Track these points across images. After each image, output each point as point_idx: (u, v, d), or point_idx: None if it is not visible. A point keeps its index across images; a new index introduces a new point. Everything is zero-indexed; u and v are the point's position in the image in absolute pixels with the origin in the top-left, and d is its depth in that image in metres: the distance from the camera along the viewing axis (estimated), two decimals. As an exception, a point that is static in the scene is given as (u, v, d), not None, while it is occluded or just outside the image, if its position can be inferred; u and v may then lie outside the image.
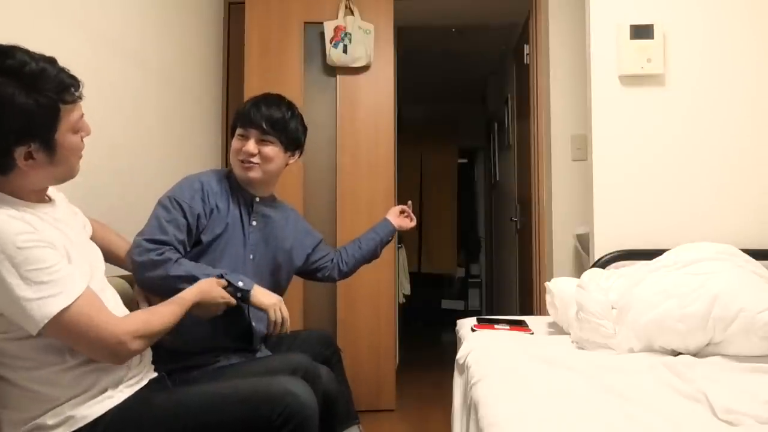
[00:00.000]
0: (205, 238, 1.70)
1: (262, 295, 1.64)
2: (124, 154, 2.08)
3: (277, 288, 1.86)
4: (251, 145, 1.76)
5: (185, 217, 1.66)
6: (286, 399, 1.32)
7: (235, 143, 1.80)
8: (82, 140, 1.26)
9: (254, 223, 1.81)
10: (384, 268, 2.98)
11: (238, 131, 1.80)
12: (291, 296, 2.96)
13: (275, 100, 1.82)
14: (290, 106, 1.85)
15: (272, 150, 1.78)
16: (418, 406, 3.14)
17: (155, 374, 1.41)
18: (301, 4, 3.02)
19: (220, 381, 1.49)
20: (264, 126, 1.76)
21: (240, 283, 1.61)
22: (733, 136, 2.15)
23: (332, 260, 2.07)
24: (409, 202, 2.26)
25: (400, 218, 2.21)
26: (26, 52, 1.15)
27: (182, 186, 1.73)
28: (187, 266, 1.58)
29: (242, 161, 1.77)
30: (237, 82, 3.07)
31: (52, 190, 1.33)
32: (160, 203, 1.69)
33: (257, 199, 1.84)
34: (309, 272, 2.05)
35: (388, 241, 2.17)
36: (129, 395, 1.27)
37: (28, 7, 1.58)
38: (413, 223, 2.22)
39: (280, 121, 1.78)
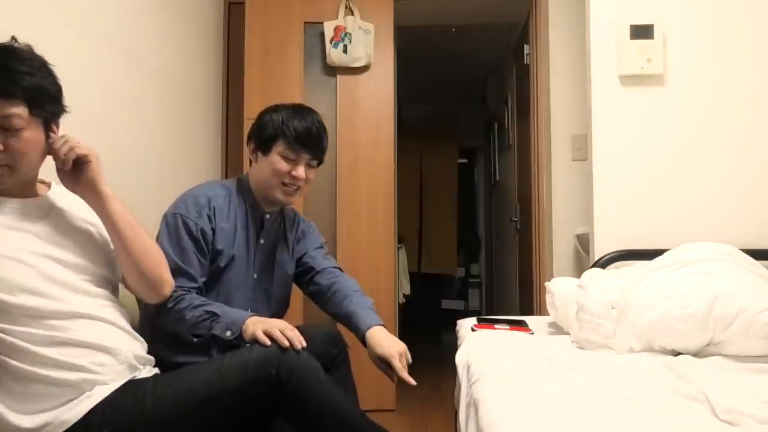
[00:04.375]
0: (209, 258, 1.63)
1: (251, 332, 1.44)
2: (123, 153, 2.08)
3: (285, 297, 1.83)
4: (302, 171, 1.67)
5: (194, 237, 1.58)
6: (281, 356, 1.32)
7: (281, 165, 1.66)
8: None
9: (262, 241, 1.73)
10: (384, 268, 2.98)
11: (285, 152, 1.66)
12: (292, 294, 2.96)
13: (314, 117, 1.71)
14: (322, 121, 1.74)
15: (315, 173, 1.73)
16: (418, 406, 3.13)
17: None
18: (301, 4, 3.02)
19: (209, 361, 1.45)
20: (317, 152, 1.70)
21: (228, 333, 1.48)
22: (733, 135, 2.15)
23: (331, 278, 1.83)
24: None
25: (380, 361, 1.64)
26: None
27: (187, 202, 1.63)
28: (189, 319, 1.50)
29: (287, 185, 1.67)
30: (237, 82, 3.07)
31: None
32: (166, 224, 1.61)
33: (267, 217, 1.75)
34: (302, 274, 1.87)
35: (348, 327, 1.76)
36: (113, 390, 1.24)
37: (27, 4, 1.58)
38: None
39: (325, 144, 1.72)
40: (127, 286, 1.45)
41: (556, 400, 1.21)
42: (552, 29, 2.94)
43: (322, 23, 2.97)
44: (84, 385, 1.22)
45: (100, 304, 1.32)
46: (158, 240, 1.60)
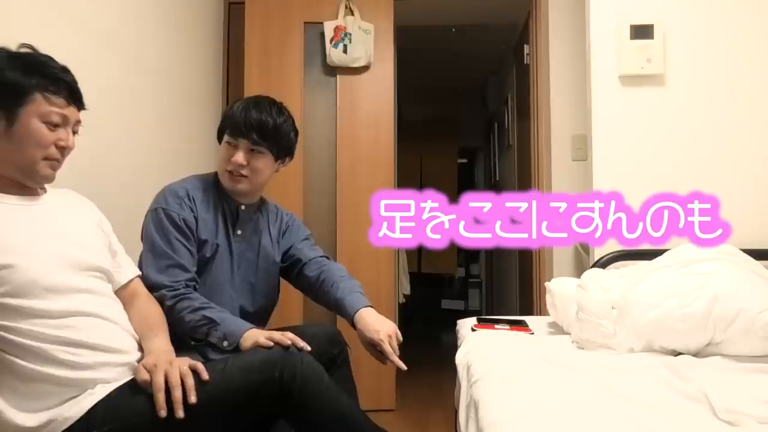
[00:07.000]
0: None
1: (251, 343, 1.44)
2: (122, 154, 2.08)
3: (271, 291, 1.83)
4: (240, 157, 1.65)
5: (179, 227, 1.61)
6: (285, 358, 1.32)
7: (224, 151, 1.70)
8: (57, 147, 1.26)
9: (239, 232, 1.74)
10: (384, 268, 2.98)
11: (227, 138, 1.69)
12: (291, 293, 2.96)
13: (266, 106, 1.70)
14: (281, 110, 1.73)
15: (262, 162, 1.69)
16: (418, 406, 3.13)
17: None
18: (301, 4, 3.02)
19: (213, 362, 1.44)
20: (255, 137, 1.65)
21: (224, 343, 1.48)
22: (734, 135, 2.15)
23: (318, 268, 1.84)
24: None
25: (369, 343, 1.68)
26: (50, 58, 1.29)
27: (166, 195, 1.66)
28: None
29: (231, 172, 1.68)
30: (237, 83, 3.07)
31: (59, 192, 1.38)
32: (149, 220, 1.64)
33: (242, 208, 1.76)
34: (290, 267, 1.88)
35: (339, 314, 1.79)
36: (114, 387, 1.25)
37: (26, 5, 1.58)
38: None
39: (272, 131, 1.67)
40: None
41: (556, 401, 1.21)
42: (552, 29, 2.94)
43: (322, 23, 2.97)
44: (87, 383, 1.22)
45: (105, 302, 1.33)
46: (144, 238, 1.62)
